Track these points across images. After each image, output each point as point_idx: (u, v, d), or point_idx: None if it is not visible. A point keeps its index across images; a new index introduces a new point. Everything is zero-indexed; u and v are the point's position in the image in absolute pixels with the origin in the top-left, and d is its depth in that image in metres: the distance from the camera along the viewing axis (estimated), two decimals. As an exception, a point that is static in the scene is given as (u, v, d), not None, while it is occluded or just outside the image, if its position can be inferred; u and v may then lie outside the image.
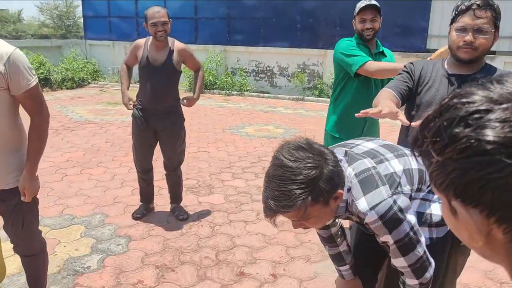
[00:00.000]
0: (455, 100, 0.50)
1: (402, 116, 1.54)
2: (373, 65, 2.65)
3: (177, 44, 3.40)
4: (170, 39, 3.38)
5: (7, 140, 1.92)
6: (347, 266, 1.69)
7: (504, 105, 0.46)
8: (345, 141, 1.58)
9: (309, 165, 1.21)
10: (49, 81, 10.96)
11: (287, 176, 1.21)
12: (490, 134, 0.44)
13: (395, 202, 1.30)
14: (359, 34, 2.79)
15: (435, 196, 1.48)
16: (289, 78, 11.41)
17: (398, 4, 9.58)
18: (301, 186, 1.20)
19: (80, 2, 14.28)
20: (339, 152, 1.45)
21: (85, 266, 2.86)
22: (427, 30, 9.96)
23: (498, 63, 8.99)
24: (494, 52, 9.51)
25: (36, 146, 1.96)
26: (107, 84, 11.99)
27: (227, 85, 11.30)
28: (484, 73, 1.70)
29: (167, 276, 2.77)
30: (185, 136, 3.61)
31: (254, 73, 11.85)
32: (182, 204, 3.79)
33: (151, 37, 3.33)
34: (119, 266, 2.87)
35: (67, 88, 11.20)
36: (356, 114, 1.54)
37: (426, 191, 1.46)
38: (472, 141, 0.45)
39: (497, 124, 0.45)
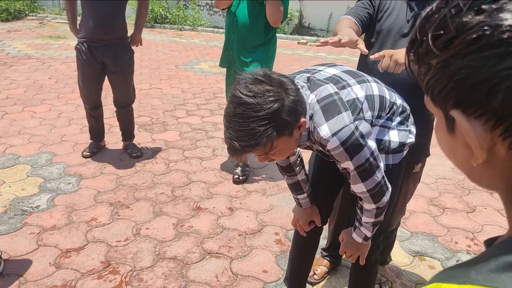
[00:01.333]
0: None
1: (361, 44, 1.49)
2: None
3: None
4: None
5: None
6: (305, 195, 1.70)
7: None
8: (307, 67, 1.52)
9: (269, 99, 1.14)
10: (-20, 12, 9.93)
11: (248, 113, 1.14)
12: (509, 18, 0.37)
13: (356, 128, 1.28)
14: None
15: (393, 123, 1.48)
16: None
17: None
18: (264, 122, 1.14)
19: None
20: (301, 78, 1.39)
21: (34, 205, 2.74)
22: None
23: None
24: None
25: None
26: (47, 17, 11.04)
27: (179, 20, 10.75)
28: None
29: (121, 213, 2.72)
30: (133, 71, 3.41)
31: (208, 7, 11.31)
32: (135, 141, 3.67)
33: None
34: (70, 204, 2.78)
35: (2, 21, 10.22)
36: (316, 44, 1.48)
37: (386, 117, 1.45)
38: (486, 28, 0.38)
39: None
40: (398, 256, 2.44)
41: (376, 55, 1.43)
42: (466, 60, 0.40)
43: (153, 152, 3.65)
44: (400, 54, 1.40)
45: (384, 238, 2.06)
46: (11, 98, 4.78)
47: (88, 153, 3.46)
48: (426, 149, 1.89)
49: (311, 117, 1.31)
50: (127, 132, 3.60)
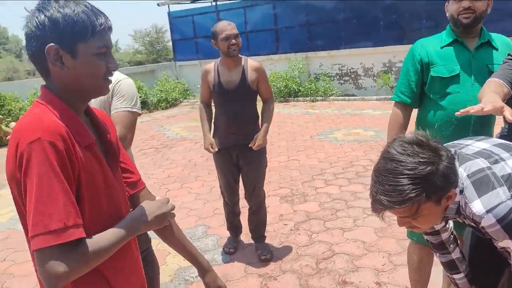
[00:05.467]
0: None
1: (507, 111, 1.38)
2: (393, 118, 2.15)
3: (250, 62, 3.07)
4: (242, 57, 3.07)
5: None
6: (462, 275, 1.60)
7: None
8: (453, 142, 1.50)
9: (423, 160, 1.17)
10: (147, 104, 11.91)
11: (399, 170, 1.17)
12: None
13: None
14: (452, 21, 1.96)
15: None
16: (374, 78, 11.06)
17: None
18: (415, 181, 1.16)
19: (168, 27, 15.33)
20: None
21: (194, 275, 3.04)
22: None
23: None
24: None
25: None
26: (197, 102, 12.67)
27: (311, 92, 11.29)
28: None
29: (270, 284, 2.85)
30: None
31: (338, 77, 11.70)
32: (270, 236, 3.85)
33: (219, 59, 3.09)
34: (224, 275, 3.01)
35: (162, 109, 12.07)
36: (456, 113, 1.45)
37: None
38: None
39: None
40: None
41: None
42: None
43: (296, 224, 3.78)
44: None
45: None
46: (172, 177, 5.52)
47: (231, 249, 3.36)
48: None
49: (461, 191, 1.28)
50: (258, 233, 3.38)
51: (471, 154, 1.35)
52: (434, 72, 2.02)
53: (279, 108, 10.53)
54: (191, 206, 4.43)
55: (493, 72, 1.89)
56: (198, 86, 12.73)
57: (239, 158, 3.17)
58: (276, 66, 12.35)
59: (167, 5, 14.74)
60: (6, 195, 5.35)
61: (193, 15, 14.22)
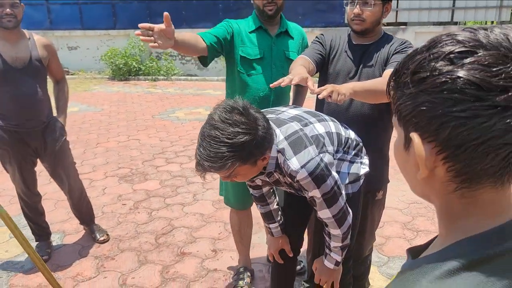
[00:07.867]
0: (444, 37, 0.51)
1: (310, 81, 1.55)
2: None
3: (37, 37, 2.69)
4: (25, 31, 2.65)
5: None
6: (276, 224, 1.85)
7: (490, 51, 0.47)
8: (272, 108, 1.70)
9: (243, 130, 1.27)
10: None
11: (220, 138, 1.25)
12: (468, 74, 0.47)
13: (321, 160, 1.45)
14: (259, 11, 2.20)
15: (349, 156, 1.65)
16: (216, 59, 11.38)
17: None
18: (233, 149, 1.26)
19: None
20: (268, 115, 1.54)
21: (19, 266, 2.76)
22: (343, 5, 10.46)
23: (409, 33, 9.69)
24: (405, 23, 10.22)
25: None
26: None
27: (153, 71, 11.05)
28: (383, 41, 1.90)
29: (107, 265, 2.77)
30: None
31: (180, 56, 11.67)
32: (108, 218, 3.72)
33: None
34: (55, 262, 2.81)
35: None
36: (271, 85, 1.56)
37: (342, 152, 1.63)
38: (449, 77, 0.48)
39: (477, 66, 0.47)
40: (377, 281, 2.55)
41: (317, 90, 1.57)
42: (430, 96, 0.49)
43: (135, 203, 3.72)
44: (340, 87, 1.57)
45: (359, 264, 2.19)
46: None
47: (45, 257, 2.82)
48: (384, 177, 2.07)
49: (279, 151, 1.46)
50: (85, 215, 3.16)
51: (287, 119, 1.56)
52: (242, 52, 2.20)
53: (118, 87, 10.04)
54: (14, 193, 3.94)
55: (289, 58, 2.22)
56: None
57: (37, 145, 2.76)
58: (115, 43, 11.67)
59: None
60: None
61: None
